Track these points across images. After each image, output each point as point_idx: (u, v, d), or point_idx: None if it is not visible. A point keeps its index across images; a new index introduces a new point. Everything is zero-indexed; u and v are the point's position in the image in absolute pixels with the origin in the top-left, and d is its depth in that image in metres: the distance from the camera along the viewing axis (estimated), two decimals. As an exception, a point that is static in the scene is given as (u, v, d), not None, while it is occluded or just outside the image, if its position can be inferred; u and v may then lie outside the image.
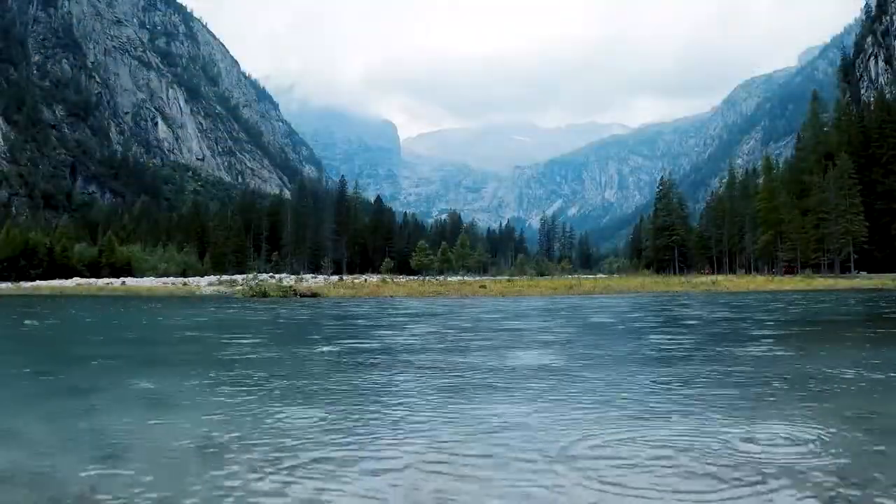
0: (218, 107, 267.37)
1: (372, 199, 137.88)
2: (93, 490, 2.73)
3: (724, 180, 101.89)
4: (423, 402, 4.61)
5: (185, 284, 44.40)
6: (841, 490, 2.57)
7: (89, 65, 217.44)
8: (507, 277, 64.13)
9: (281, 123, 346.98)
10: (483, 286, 34.10)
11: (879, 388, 5.07)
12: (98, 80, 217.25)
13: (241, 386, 5.50)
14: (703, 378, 5.62)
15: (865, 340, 9.29)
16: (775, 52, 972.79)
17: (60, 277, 61.77)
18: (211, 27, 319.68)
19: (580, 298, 26.18)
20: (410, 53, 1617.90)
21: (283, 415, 4.18)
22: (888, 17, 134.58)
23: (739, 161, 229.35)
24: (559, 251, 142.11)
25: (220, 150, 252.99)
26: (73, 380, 6.17)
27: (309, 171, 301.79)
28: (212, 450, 3.31)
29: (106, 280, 56.21)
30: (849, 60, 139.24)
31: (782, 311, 16.34)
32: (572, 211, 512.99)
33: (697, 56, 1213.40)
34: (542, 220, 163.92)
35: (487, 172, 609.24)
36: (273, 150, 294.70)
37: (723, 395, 4.80)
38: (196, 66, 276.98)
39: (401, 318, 15.25)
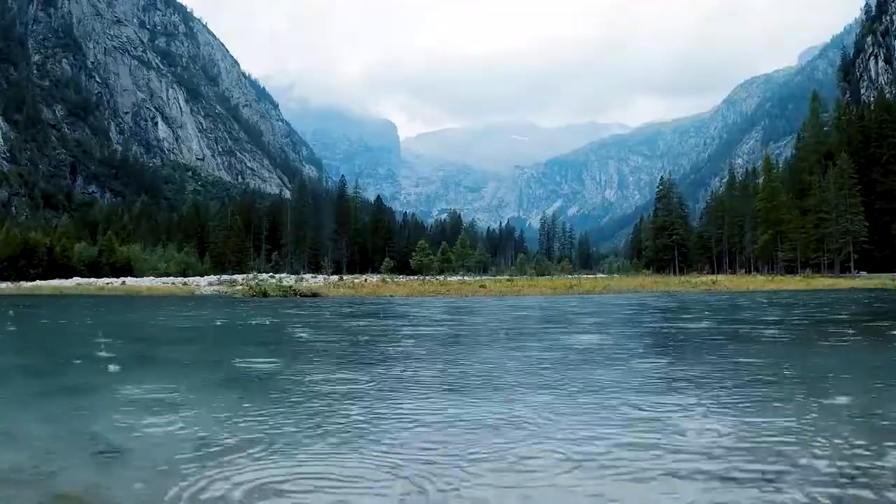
0: (218, 107, 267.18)
1: (372, 199, 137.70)
2: (93, 490, 2.73)
3: (724, 180, 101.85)
4: (423, 398, 4.61)
5: (185, 284, 44.35)
6: (841, 487, 2.62)
7: (89, 65, 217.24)
8: (507, 277, 64.08)
9: (281, 123, 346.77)
10: (483, 286, 34.13)
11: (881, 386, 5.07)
12: (98, 80, 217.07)
13: (241, 386, 5.50)
14: (708, 377, 5.62)
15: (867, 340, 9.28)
16: (775, 52, 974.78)
17: (60, 277, 61.67)
18: (211, 27, 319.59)
19: (585, 297, 26.18)
20: (410, 53, 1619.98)
21: (284, 414, 4.18)
22: (888, 17, 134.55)
23: (739, 161, 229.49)
24: (559, 251, 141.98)
25: (220, 150, 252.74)
26: (73, 379, 6.17)
27: (309, 171, 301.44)
28: (211, 450, 3.31)
29: (106, 280, 56.13)
30: (849, 60, 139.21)
31: (783, 310, 16.35)
32: (572, 211, 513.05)
33: (697, 56, 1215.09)
34: (542, 219, 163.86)
35: (487, 172, 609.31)
36: (273, 150, 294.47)
37: (736, 393, 4.80)
38: (196, 66, 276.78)
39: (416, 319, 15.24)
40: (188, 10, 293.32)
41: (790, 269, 66.22)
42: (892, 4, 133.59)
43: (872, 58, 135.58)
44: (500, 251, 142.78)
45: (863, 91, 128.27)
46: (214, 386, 5.53)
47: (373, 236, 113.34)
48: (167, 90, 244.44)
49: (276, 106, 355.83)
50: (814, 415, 4.01)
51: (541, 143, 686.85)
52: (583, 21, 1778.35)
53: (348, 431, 3.71)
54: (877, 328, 11.01)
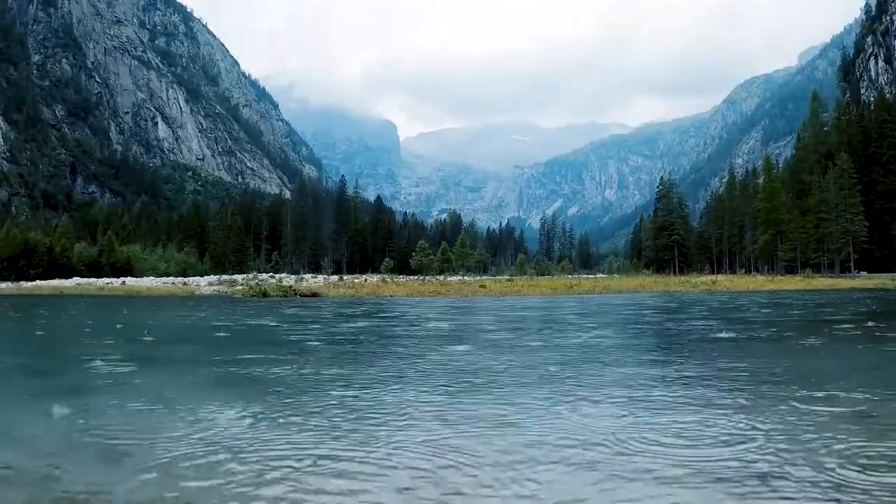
0: (218, 107, 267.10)
1: (372, 199, 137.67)
2: (93, 490, 2.73)
3: (724, 180, 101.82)
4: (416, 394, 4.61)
5: (185, 284, 44.37)
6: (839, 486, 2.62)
7: (89, 65, 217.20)
8: (507, 277, 64.10)
9: (281, 123, 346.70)
10: (483, 286, 34.15)
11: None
12: (98, 79, 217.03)
13: (240, 385, 5.50)
14: (713, 376, 5.62)
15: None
16: (775, 52, 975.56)
17: (60, 277, 61.67)
18: (211, 27, 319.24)
19: (585, 298, 26.18)
20: (410, 53, 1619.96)
21: (283, 413, 4.18)
22: (888, 17, 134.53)
23: (739, 161, 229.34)
24: (559, 251, 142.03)
25: (220, 150, 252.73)
26: (73, 379, 6.17)
27: (309, 171, 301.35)
28: (211, 449, 3.31)
29: (106, 280, 56.14)
30: (849, 60, 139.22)
31: (783, 310, 16.36)
32: (572, 211, 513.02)
33: (697, 56, 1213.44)
34: (542, 220, 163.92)
35: (487, 172, 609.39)
36: (273, 150, 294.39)
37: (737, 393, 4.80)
38: (196, 66, 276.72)
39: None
40: (188, 10, 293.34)
41: (790, 269, 66.21)
42: (892, 4, 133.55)
43: (872, 58, 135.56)
44: (500, 251, 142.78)
45: (863, 91, 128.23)
46: (214, 385, 5.53)
47: (373, 236, 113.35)
48: (167, 90, 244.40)
49: (276, 106, 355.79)
50: (810, 414, 4.01)
51: (541, 143, 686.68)
52: (583, 21, 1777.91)
53: (348, 430, 3.71)
54: (875, 328, 11.01)
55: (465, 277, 63.12)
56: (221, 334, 11.39)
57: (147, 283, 49.40)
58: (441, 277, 61.90)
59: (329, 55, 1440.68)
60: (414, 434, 3.62)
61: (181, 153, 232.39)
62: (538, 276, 73.19)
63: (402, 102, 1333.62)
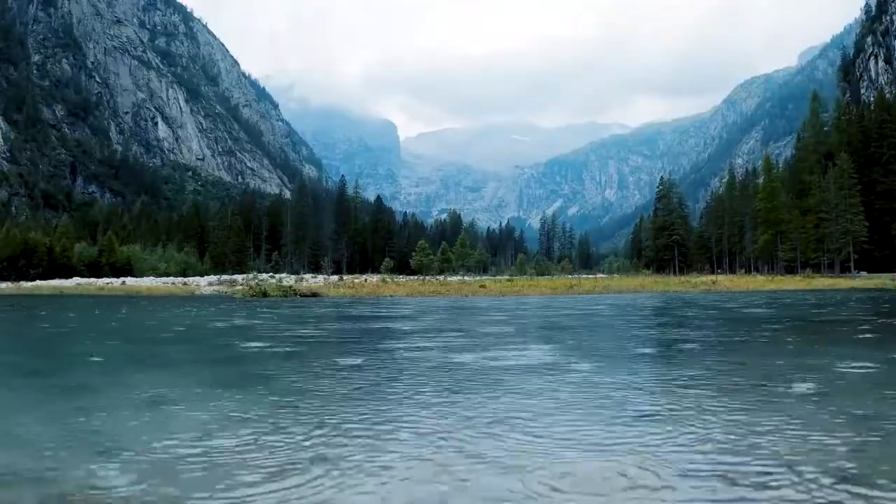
0: (218, 107, 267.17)
1: (372, 199, 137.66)
2: (93, 490, 2.73)
3: (724, 180, 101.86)
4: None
5: (185, 284, 44.36)
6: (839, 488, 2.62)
7: (89, 65, 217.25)
8: (507, 277, 64.12)
9: (281, 123, 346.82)
10: (483, 286, 34.19)
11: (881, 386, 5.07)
12: (98, 79, 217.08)
13: (241, 386, 5.50)
14: (707, 376, 5.62)
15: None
16: (775, 52, 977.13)
17: (60, 277, 61.67)
18: (211, 27, 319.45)
19: (585, 298, 26.19)
20: (410, 53, 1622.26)
21: (283, 414, 4.18)
22: (888, 17, 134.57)
23: (739, 161, 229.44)
24: (559, 251, 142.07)
25: (220, 150, 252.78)
26: (73, 379, 6.17)
27: (309, 171, 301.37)
28: (211, 449, 3.31)
29: (106, 280, 56.13)
30: (849, 60, 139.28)
31: (783, 310, 16.35)
32: (572, 211, 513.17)
33: (697, 56, 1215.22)
34: (542, 219, 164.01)
35: (487, 172, 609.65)
36: (273, 150, 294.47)
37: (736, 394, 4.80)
38: (196, 66, 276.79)
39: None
40: (188, 10, 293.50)
41: (790, 269, 66.21)
42: (892, 4, 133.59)
43: (872, 58, 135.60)
44: (500, 251, 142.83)
45: (863, 91, 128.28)
46: (213, 385, 5.53)
47: (373, 236, 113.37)
48: (167, 90, 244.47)
49: (276, 106, 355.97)
50: (808, 415, 4.01)
51: (541, 143, 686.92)
52: (582, 21, 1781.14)
53: (347, 429, 3.71)
54: (875, 328, 11.01)
55: (465, 277, 63.13)
56: (220, 335, 11.39)
57: (147, 283, 49.39)
58: (441, 277, 61.90)
59: (329, 55, 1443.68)
60: (413, 433, 3.62)
61: (181, 153, 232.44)
62: (538, 276, 73.20)
63: (402, 102, 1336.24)
